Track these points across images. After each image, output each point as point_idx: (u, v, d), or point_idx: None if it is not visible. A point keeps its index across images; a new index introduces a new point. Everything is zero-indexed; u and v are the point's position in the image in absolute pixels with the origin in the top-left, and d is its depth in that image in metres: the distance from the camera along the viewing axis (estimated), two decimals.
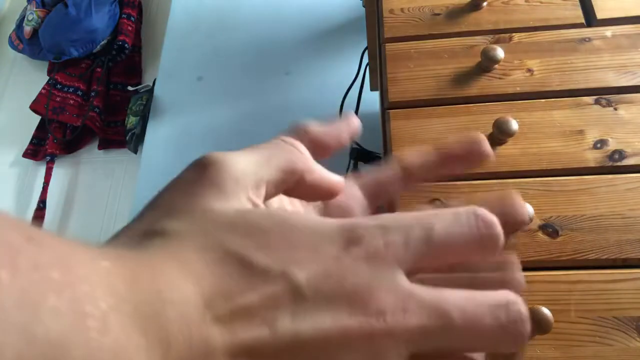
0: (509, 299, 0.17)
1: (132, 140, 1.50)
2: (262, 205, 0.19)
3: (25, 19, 1.66)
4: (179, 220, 0.17)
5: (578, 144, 0.54)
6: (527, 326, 0.16)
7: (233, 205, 0.18)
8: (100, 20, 1.60)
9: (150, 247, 0.16)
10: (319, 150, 0.23)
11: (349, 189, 0.24)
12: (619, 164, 0.52)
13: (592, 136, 0.54)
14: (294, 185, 0.21)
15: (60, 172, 1.54)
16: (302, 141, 0.22)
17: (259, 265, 0.16)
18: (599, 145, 0.53)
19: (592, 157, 0.53)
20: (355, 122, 0.24)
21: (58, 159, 1.55)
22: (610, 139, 0.53)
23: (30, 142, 1.59)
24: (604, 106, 0.55)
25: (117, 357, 0.13)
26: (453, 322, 0.16)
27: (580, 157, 0.53)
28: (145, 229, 0.17)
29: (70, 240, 0.14)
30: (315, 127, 0.23)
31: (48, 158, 1.52)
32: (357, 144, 1.19)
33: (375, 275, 0.16)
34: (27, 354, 0.11)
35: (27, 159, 1.57)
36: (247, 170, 0.19)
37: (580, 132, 0.54)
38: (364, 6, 1.06)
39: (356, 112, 1.18)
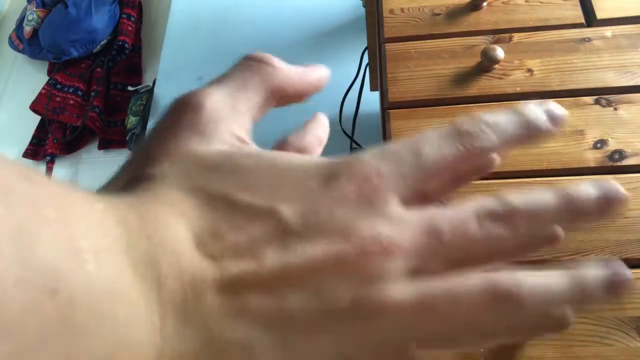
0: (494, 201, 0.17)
1: (132, 140, 1.50)
2: (246, 139, 0.19)
3: (25, 19, 1.66)
4: (162, 164, 0.17)
5: (578, 144, 0.54)
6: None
7: (215, 147, 0.18)
8: (100, 20, 1.60)
9: (138, 191, 0.16)
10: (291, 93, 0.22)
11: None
12: (619, 164, 0.52)
13: (592, 136, 0.54)
14: (278, 101, 0.21)
15: (60, 172, 1.54)
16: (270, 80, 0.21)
17: (245, 204, 0.16)
18: (599, 145, 0.53)
19: (592, 157, 0.53)
20: (322, 119, 0.24)
21: (58, 159, 1.55)
22: (610, 139, 0.54)
23: (30, 142, 1.59)
24: (604, 106, 0.55)
25: (111, 290, 0.13)
26: (443, 236, 0.16)
27: (580, 157, 0.53)
28: (130, 175, 0.17)
29: (65, 184, 0.14)
30: (282, 65, 0.21)
31: (48, 158, 1.53)
32: (357, 144, 1.19)
33: (366, 206, 0.16)
34: (25, 278, 0.11)
35: (27, 159, 1.57)
36: (224, 106, 0.19)
37: (580, 132, 0.54)
38: (364, 6, 1.06)
39: (356, 112, 1.18)
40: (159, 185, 0.16)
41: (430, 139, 0.17)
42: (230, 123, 0.19)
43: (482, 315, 0.15)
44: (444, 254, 0.16)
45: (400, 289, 0.15)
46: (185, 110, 0.18)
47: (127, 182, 0.17)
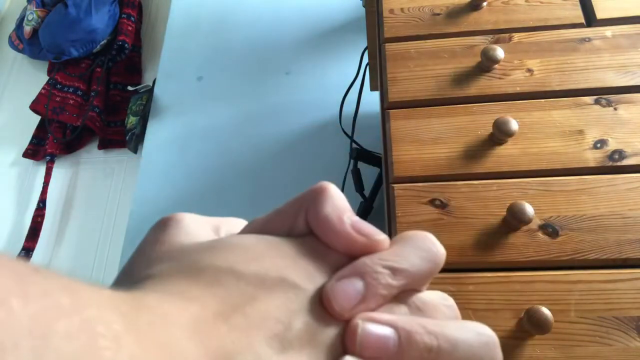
0: None
1: (132, 140, 1.50)
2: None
3: (25, 19, 1.66)
4: (161, 263, 0.17)
5: (578, 144, 0.54)
6: None
7: (203, 239, 0.19)
8: (100, 20, 1.60)
9: (143, 288, 0.16)
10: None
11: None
12: (619, 164, 0.52)
13: (592, 136, 0.54)
14: None
15: (60, 172, 1.54)
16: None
17: (256, 276, 0.16)
18: (599, 145, 0.53)
19: (592, 157, 0.53)
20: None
21: (58, 159, 1.55)
22: (610, 139, 0.53)
23: (30, 142, 1.59)
24: (604, 106, 0.55)
25: None
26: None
27: (580, 157, 0.53)
28: (131, 281, 0.17)
29: (67, 275, 0.14)
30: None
31: (48, 158, 1.52)
32: (357, 144, 1.19)
33: None
34: None
35: (27, 159, 1.57)
36: (201, 218, 0.21)
37: (580, 132, 0.54)
38: (364, 6, 1.06)
39: (356, 112, 1.18)
40: (166, 280, 0.16)
41: None
42: (209, 228, 0.20)
43: None
44: None
45: None
46: (168, 222, 0.20)
47: (130, 285, 0.17)
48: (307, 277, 0.17)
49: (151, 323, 0.14)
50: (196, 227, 0.19)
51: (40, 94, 1.60)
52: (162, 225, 0.19)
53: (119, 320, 0.13)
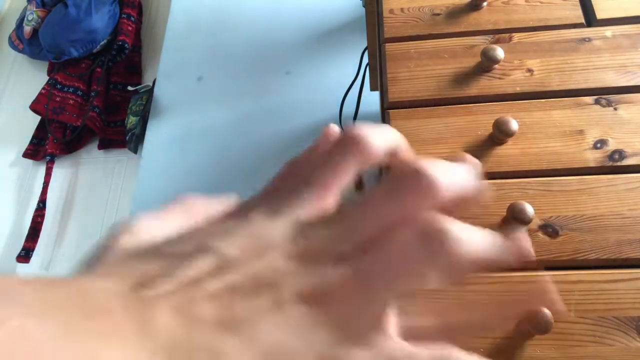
0: None
1: (132, 140, 1.50)
2: None
3: (25, 19, 1.66)
4: (104, 265, 0.18)
5: (578, 144, 0.54)
6: None
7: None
8: (100, 20, 1.60)
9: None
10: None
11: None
12: (619, 164, 0.52)
13: (592, 136, 0.54)
14: None
15: (60, 172, 1.54)
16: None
17: (178, 249, 0.17)
18: (599, 145, 0.53)
19: (592, 157, 0.53)
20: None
21: (58, 159, 1.55)
22: (610, 139, 0.53)
23: (30, 142, 1.59)
24: (604, 106, 0.55)
25: None
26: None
27: (580, 157, 0.53)
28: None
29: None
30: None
31: (48, 158, 1.52)
32: None
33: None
34: None
35: (27, 159, 1.57)
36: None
37: (580, 132, 0.54)
38: (364, 6, 1.06)
39: (356, 112, 1.18)
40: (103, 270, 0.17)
41: None
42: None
43: (414, 253, 0.15)
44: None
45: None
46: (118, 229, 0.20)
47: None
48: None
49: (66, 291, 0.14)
50: (139, 229, 0.20)
51: (40, 94, 1.60)
52: (113, 234, 0.20)
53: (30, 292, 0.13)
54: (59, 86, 1.60)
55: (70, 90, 1.60)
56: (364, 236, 0.16)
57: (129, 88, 1.61)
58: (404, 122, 0.58)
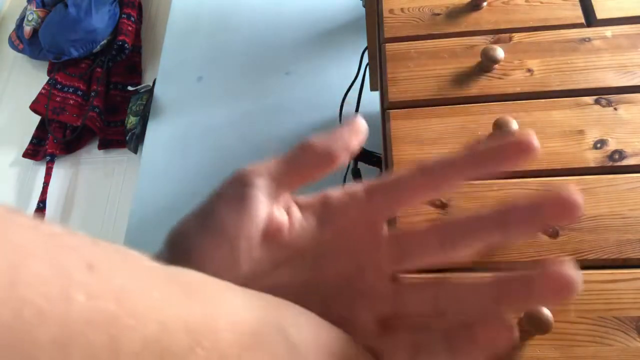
0: None
1: (132, 140, 1.50)
2: None
3: (25, 19, 1.66)
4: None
5: (578, 144, 0.54)
6: None
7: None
8: (100, 20, 1.60)
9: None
10: (328, 162, 0.23)
11: (349, 191, 0.24)
12: (619, 164, 0.52)
13: (592, 136, 0.54)
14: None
15: (60, 172, 1.54)
16: (308, 156, 0.24)
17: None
18: (599, 145, 0.53)
19: (592, 157, 0.53)
20: (359, 125, 0.24)
21: (58, 159, 1.55)
22: (610, 139, 0.53)
23: (30, 142, 1.59)
24: (604, 106, 0.55)
25: None
26: None
27: (580, 157, 0.53)
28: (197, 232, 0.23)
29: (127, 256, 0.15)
30: (319, 140, 0.23)
31: (48, 158, 1.52)
32: None
33: None
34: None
35: (27, 159, 1.57)
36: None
37: (580, 132, 0.54)
38: (364, 6, 1.06)
39: (356, 112, 1.18)
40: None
41: None
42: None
43: None
44: None
45: None
46: (245, 200, 0.24)
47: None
48: None
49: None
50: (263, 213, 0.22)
51: (40, 94, 1.60)
52: (241, 200, 0.22)
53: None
54: (59, 86, 1.60)
55: (70, 90, 1.60)
56: None
57: (129, 88, 1.61)
58: (404, 122, 0.58)
